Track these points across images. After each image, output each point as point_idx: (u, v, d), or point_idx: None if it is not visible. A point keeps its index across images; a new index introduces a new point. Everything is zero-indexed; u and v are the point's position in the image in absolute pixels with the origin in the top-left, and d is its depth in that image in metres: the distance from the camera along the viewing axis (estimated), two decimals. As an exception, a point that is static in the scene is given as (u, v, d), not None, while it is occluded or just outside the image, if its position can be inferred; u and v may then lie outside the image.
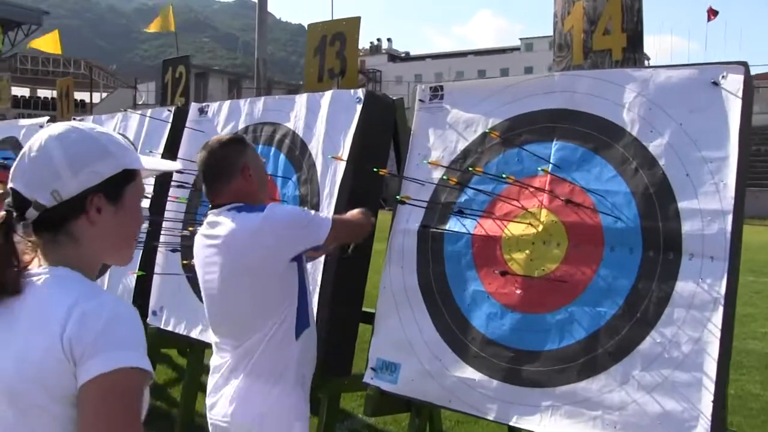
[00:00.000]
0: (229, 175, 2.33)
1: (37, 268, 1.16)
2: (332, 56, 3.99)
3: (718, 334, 2.18)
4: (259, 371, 2.26)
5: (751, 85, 2.34)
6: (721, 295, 2.19)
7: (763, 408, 5.10)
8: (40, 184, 1.15)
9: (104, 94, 42.07)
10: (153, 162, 1.48)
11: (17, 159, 1.19)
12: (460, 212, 2.68)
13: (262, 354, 2.24)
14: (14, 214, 1.16)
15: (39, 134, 1.20)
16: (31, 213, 1.16)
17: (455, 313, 2.65)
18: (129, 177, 1.24)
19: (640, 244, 2.33)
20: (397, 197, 2.55)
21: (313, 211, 2.51)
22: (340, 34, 3.96)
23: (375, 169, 2.75)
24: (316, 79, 4.02)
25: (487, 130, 2.67)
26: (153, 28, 6.91)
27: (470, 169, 2.61)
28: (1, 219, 1.15)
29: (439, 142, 2.89)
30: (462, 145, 2.82)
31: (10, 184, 1.18)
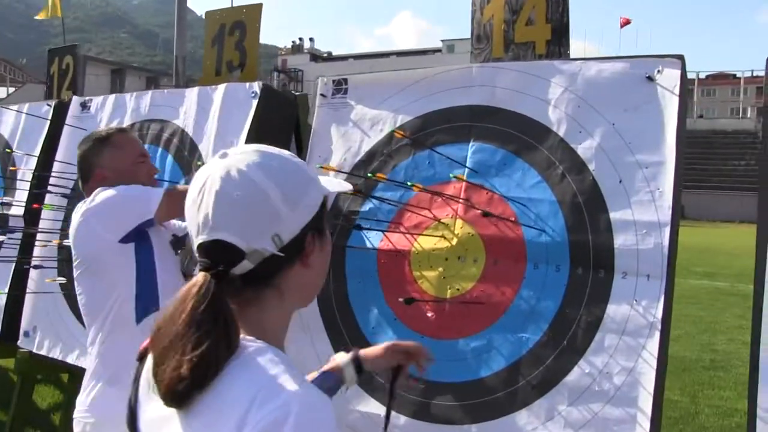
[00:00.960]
0: (86, 178, 2.20)
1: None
2: (231, 47, 3.56)
3: (654, 364, 1.91)
4: (102, 367, 2.08)
5: (686, 81, 2.08)
6: (658, 319, 1.92)
7: (681, 416, 4.99)
8: (260, 230, 0.92)
9: (11, 89, 39.77)
10: (335, 183, 1.09)
11: (203, 202, 0.93)
12: (362, 224, 2.32)
13: (102, 347, 2.08)
14: (220, 273, 0.91)
15: (227, 167, 0.93)
16: (243, 267, 0.93)
17: (358, 338, 2.29)
18: (324, 205, 1.02)
19: (567, 261, 2.04)
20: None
21: (148, 187, 2.19)
22: (239, 23, 3.54)
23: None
24: (214, 72, 3.60)
25: (394, 129, 2.32)
26: (42, 15, 6.26)
27: (369, 175, 2.25)
28: (206, 284, 0.90)
29: (341, 143, 2.53)
30: (367, 146, 2.47)
31: (203, 237, 0.93)
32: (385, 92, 2.47)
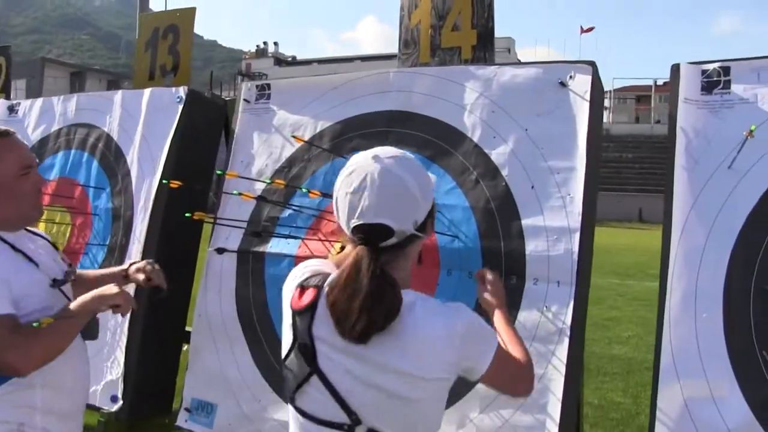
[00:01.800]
0: None
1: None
2: (164, 51, 3.51)
3: (563, 370, 1.91)
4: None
5: (600, 87, 2.10)
6: (567, 325, 1.92)
7: (623, 417, 5.02)
8: (407, 216, 1.24)
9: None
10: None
11: (366, 194, 1.22)
12: (280, 231, 2.28)
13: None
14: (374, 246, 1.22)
15: (384, 167, 1.24)
16: (390, 242, 1.24)
17: (277, 346, 2.25)
18: None
19: (479, 266, 2.03)
20: (187, 214, 2.08)
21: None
22: (173, 27, 3.49)
23: (164, 181, 2.29)
24: (147, 77, 3.53)
25: (294, 135, 2.28)
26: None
27: (268, 182, 2.22)
28: (370, 255, 1.21)
29: (263, 148, 2.49)
30: (288, 152, 2.43)
31: (362, 220, 1.22)
32: (306, 97, 2.45)
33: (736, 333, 1.83)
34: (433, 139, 2.18)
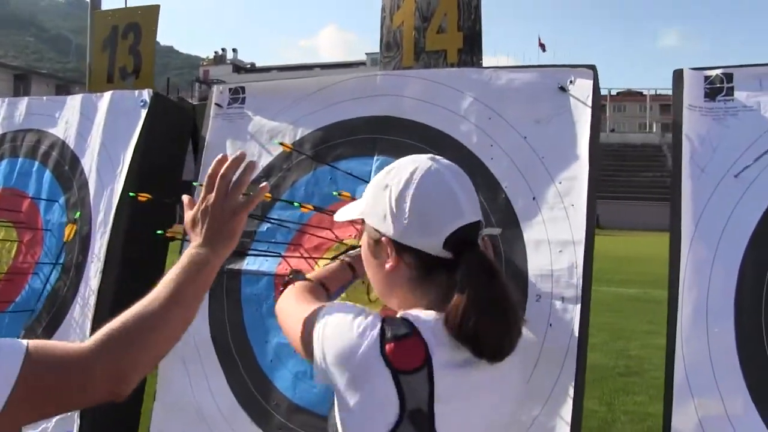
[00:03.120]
0: None
1: None
2: (125, 51, 3.28)
3: (571, 392, 1.79)
4: None
5: (599, 93, 1.99)
6: (574, 345, 1.81)
7: (599, 425, 5.00)
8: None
9: None
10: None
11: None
12: (258, 247, 2.11)
13: None
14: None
15: (443, 175, 1.24)
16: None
17: (255, 372, 2.08)
18: None
19: (479, 284, 1.90)
20: (159, 231, 1.91)
21: None
22: (134, 25, 3.27)
23: (131, 194, 2.10)
24: (105, 79, 3.30)
25: (279, 141, 2.12)
26: None
27: (248, 194, 2.06)
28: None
29: (238, 156, 2.31)
30: (265, 161, 2.26)
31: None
32: (285, 102, 2.28)
33: (749, 348, 1.76)
34: (425, 147, 2.04)
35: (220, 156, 1.36)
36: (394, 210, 1.19)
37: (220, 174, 1.31)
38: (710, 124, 1.89)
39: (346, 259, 1.66)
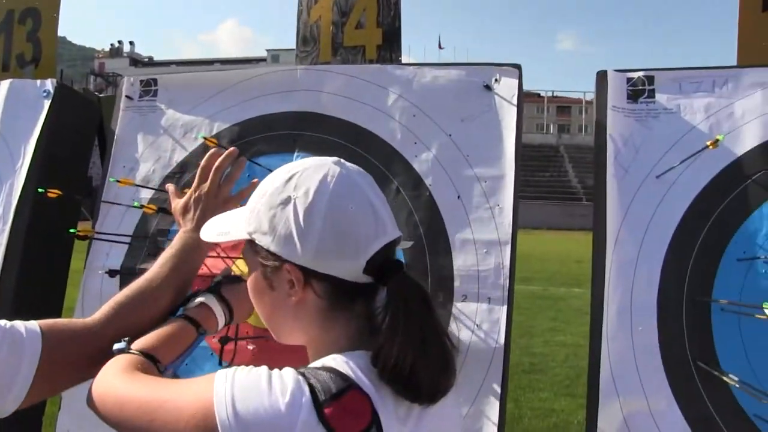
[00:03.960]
0: None
1: None
2: (22, 38, 3.05)
3: (498, 392, 1.76)
4: None
5: (522, 92, 1.97)
6: (500, 345, 1.78)
7: (508, 422, 5.00)
8: None
9: None
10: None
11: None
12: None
13: None
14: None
15: (358, 183, 1.00)
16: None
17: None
18: None
19: (404, 285, 1.83)
20: (72, 230, 1.77)
21: None
22: (32, 11, 3.04)
23: (40, 190, 1.94)
24: (0, 67, 3.07)
25: (204, 137, 2.01)
26: None
27: (157, 189, 1.95)
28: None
29: (150, 152, 2.17)
30: (179, 156, 2.13)
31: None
32: (201, 95, 2.16)
33: (671, 345, 1.77)
34: (347, 144, 1.97)
35: (213, 150, 1.45)
36: (303, 229, 0.94)
37: (215, 166, 1.40)
38: (633, 125, 1.90)
39: (188, 313, 1.27)
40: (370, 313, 0.99)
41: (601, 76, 1.94)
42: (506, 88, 1.91)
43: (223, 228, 1.09)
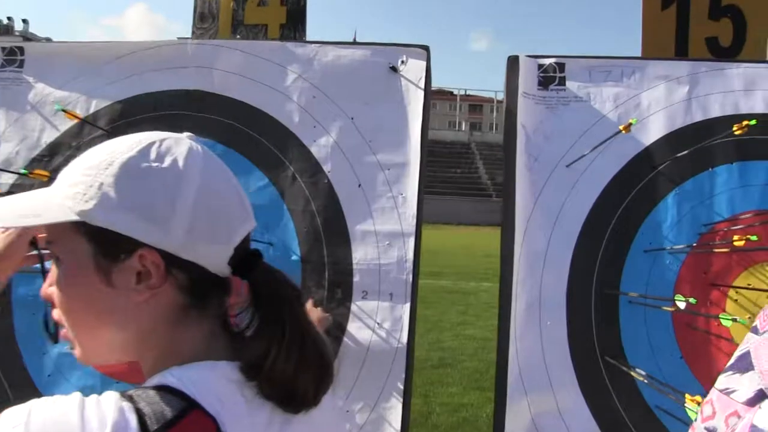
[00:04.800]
0: None
1: None
2: None
3: (401, 397, 1.64)
4: None
5: (431, 74, 1.86)
6: (403, 344, 1.66)
7: (416, 417, 4.97)
8: None
9: None
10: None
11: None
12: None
13: None
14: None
15: (218, 161, 0.88)
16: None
17: (27, 387, 1.72)
18: None
19: (298, 281, 1.69)
20: None
21: None
22: None
23: None
24: None
25: (62, 108, 1.80)
26: None
27: (24, 171, 1.73)
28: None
29: (14, 131, 1.92)
30: (49, 137, 1.90)
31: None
32: (77, 69, 1.93)
33: (579, 340, 1.71)
34: (241, 126, 1.80)
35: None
36: (174, 204, 0.77)
37: None
38: (543, 112, 1.82)
39: None
40: (224, 313, 0.82)
41: (513, 62, 1.86)
42: (413, 70, 1.80)
43: (26, 209, 0.80)
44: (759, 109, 1.86)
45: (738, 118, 1.80)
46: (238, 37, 2.20)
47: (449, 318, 8.48)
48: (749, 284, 1.77)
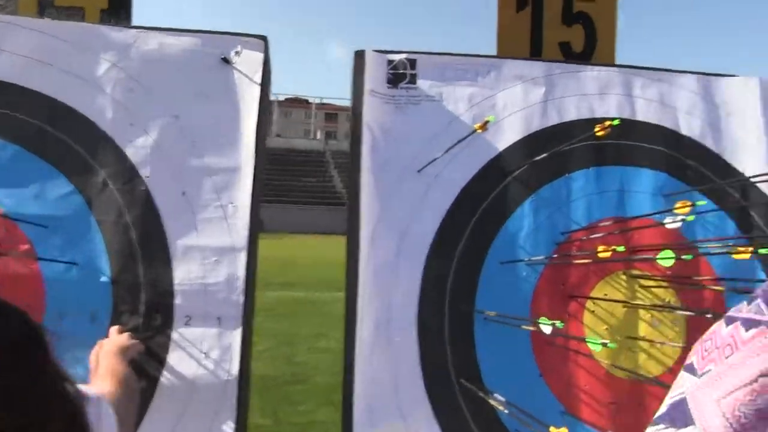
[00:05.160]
0: None
1: None
2: None
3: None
4: None
5: (270, 69, 1.66)
6: (234, 376, 1.44)
7: None
8: None
9: None
10: None
11: None
12: None
13: None
14: None
15: None
16: None
17: None
18: None
19: (109, 305, 1.43)
20: None
21: None
22: None
23: None
24: None
25: None
26: None
27: None
28: None
29: None
30: None
31: None
32: None
33: (433, 362, 1.57)
34: (41, 124, 1.52)
35: None
36: None
37: None
38: (393, 112, 1.67)
39: None
40: None
41: (359, 56, 1.69)
42: (248, 62, 1.59)
43: None
44: (613, 113, 1.80)
45: (593, 122, 1.73)
46: (46, 20, 1.89)
47: (303, 331, 8.21)
48: (605, 294, 1.69)
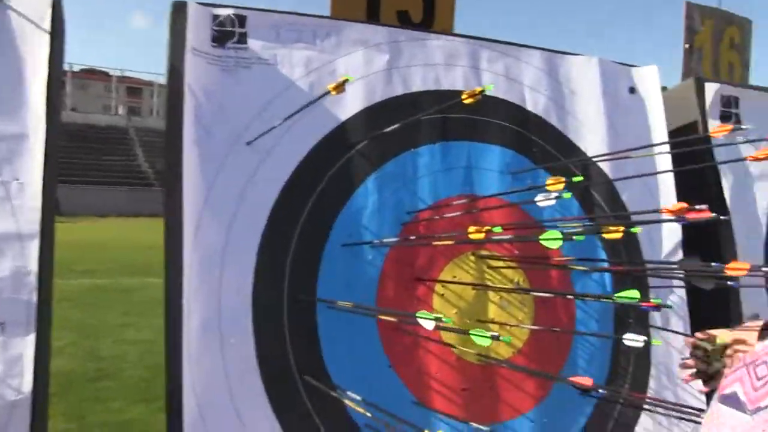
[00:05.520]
0: None
1: None
2: None
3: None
4: None
5: (63, 18, 1.38)
6: (26, 394, 1.18)
7: None
8: None
9: None
10: None
11: None
12: None
13: None
14: None
15: None
16: None
17: None
18: None
19: None
20: None
21: None
22: None
23: None
24: None
25: None
26: None
27: None
28: None
29: None
30: None
31: None
32: None
33: (271, 358, 1.40)
34: None
35: None
36: None
37: None
38: (218, 75, 1.45)
39: None
40: None
41: (179, 9, 1.45)
42: (33, 4, 1.29)
43: None
44: (459, 85, 1.71)
45: (439, 94, 1.62)
46: None
47: (109, 320, 7.58)
48: (455, 276, 1.60)
